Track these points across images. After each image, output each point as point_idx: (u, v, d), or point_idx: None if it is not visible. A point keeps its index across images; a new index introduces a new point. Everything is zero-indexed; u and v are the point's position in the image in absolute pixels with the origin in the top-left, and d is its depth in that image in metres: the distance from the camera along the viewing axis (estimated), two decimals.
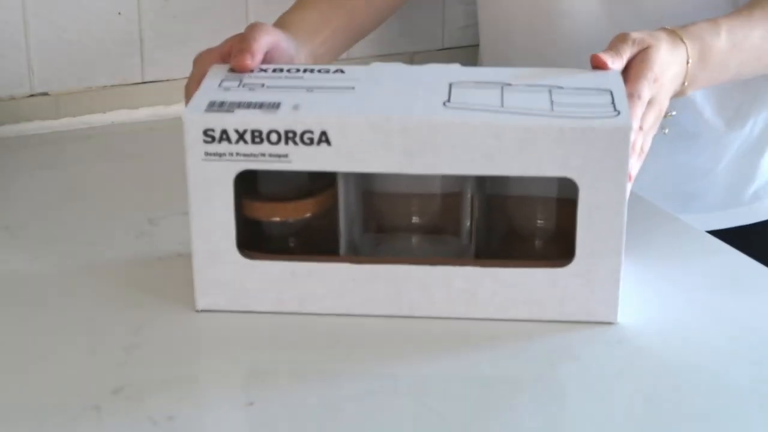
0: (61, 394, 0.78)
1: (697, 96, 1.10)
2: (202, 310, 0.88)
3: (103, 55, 1.27)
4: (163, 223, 1.03)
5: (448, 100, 0.85)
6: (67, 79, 1.27)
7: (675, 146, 1.13)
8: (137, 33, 1.28)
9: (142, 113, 1.30)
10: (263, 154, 0.84)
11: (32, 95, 1.27)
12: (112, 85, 1.29)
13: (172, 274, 0.93)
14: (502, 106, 0.84)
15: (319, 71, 0.90)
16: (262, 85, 0.88)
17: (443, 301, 0.87)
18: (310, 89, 0.87)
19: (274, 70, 0.91)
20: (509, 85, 0.87)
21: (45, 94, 1.27)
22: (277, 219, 0.90)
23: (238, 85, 0.88)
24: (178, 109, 1.29)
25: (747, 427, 0.77)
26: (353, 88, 0.87)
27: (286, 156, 0.84)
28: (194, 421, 0.76)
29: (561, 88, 0.87)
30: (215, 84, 0.89)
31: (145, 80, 1.30)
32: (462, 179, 0.90)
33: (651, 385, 0.80)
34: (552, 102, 0.84)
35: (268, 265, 0.87)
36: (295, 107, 0.84)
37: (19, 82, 1.25)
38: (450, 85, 0.87)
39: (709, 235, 1.00)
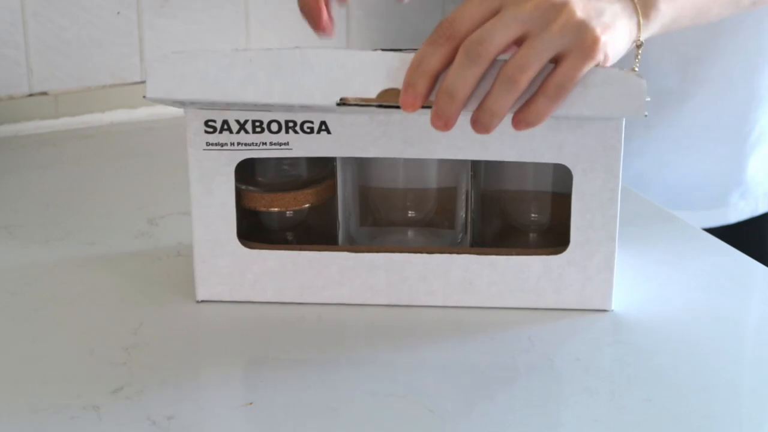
0: (61, 395, 0.78)
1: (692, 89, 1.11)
2: (202, 301, 0.89)
3: (103, 54, 1.27)
4: (162, 223, 1.03)
5: None
6: (66, 79, 1.27)
7: (665, 142, 1.13)
8: (136, 33, 1.28)
9: (142, 113, 1.30)
10: (264, 143, 0.85)
11: (31, 95, 1.27)
12: (111, 85, 1.29)
13: (171, 274, 0.93)
14: None
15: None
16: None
17: (441, 290, 0.88)
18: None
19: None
20: None
21: (44, 93, 1.27)
22: (276, 209, 0.91)
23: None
24: (177, 108, 1.29)
25: (741, 424, 0.77)
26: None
27: (286, 144, 0.85)
28: (194, 421, 0.76)
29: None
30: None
31: (145, 80, 1.30)
32: (457, 174, 0.92)
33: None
34: None
35: (269, 255, 0.88)
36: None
37: (17, 82, 1.25)
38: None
39: (705, 233, 1.01)
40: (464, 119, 0.81)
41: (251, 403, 0.78)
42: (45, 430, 0.75)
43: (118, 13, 1.27)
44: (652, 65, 1.10)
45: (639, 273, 0.93)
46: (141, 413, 0.76)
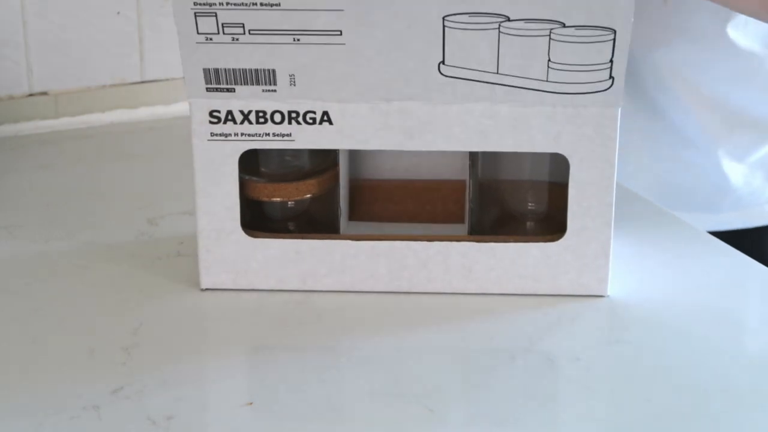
0: (60, 394, 0.78)
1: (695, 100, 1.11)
2: (206, 289, 0.90)
3: (102, 54, 1.27)
4: (162, 223, 1.03)
5: (443, 62, 0.85)
6: (66, 79, 1.27)
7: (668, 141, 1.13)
8: (136, 32, 1.28)
9: (142, 113, 1.30)
10: (267, 134, 0.87)
11: (31, 95, 1.26)
12: (111, 85, 1.29)
13: (171, 274, 0.93)
14: (498, 72, 0.85)
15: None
16: (243, 31, 0.86)
17: (441, 276, 0.90)
18: (296, 39, 0.85)
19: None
20: (508, 20, 0.86)
21: (44, 93, 1.27)
22: (278, 199, 0.92)
23: (218, 33, 0.86)
24: (177, 108, 1.30)
25: (741, 424, 0.77)
26: (343, 44, 0.85)
27: (289, 135, 0.87)
28: (194, 421, 0.76)
29: (563, 25, 0.85)
30: (191, 24, 0.87)
31: (145, 80, 1.30)
32: (456, 164, 0.94)
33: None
34: (548, 69, 0.85)
35: (272, 244, 0.89)
36: (291, 80, 0.86)
37: (17, 82, 1.25)
38: (444, 27, 0.85)
39: (705, 234, 1.01)
40: (462, 110, 0.84)
41: (251, 403, 0.78)
42: (45, 430, 0.75)
43: (118, 13, 1.27)
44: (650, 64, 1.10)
45: (637, 266, 0.94)
46: (141, 413, 0.76)
